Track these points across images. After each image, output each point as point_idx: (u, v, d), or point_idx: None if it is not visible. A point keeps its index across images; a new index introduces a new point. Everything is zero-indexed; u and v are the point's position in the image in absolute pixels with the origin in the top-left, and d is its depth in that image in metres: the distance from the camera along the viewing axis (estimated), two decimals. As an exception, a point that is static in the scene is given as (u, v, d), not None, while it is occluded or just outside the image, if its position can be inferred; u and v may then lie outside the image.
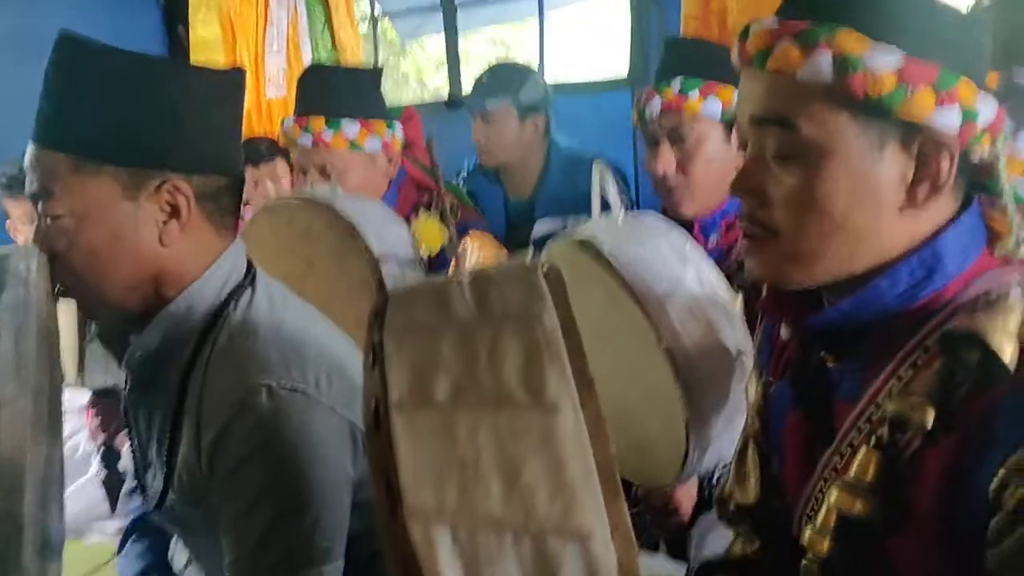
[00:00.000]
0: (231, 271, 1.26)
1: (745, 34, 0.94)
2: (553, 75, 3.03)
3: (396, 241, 1.77)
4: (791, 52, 0.88)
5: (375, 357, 0.66)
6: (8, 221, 2.93)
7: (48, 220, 1.17)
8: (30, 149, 1.18)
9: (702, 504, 1.58)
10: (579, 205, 2.65)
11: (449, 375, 0.63)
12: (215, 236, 1.25)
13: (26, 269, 1.09)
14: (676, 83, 1.83)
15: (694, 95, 1.81)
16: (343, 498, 1.19)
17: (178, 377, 1.22)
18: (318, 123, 2.11)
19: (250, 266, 1.30)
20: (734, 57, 0.97)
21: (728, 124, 1.83)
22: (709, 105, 1.81)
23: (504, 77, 2.81)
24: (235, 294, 1.25)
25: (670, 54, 1.95)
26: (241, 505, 1.15)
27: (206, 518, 1.22)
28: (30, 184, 1.18)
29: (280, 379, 1.15)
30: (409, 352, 0.65)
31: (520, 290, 0.69)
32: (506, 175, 2.89)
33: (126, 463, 1.85)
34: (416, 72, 7.58)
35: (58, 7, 3.36)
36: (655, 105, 1.85)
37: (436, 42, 5.44)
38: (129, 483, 1.83)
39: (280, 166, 3.14)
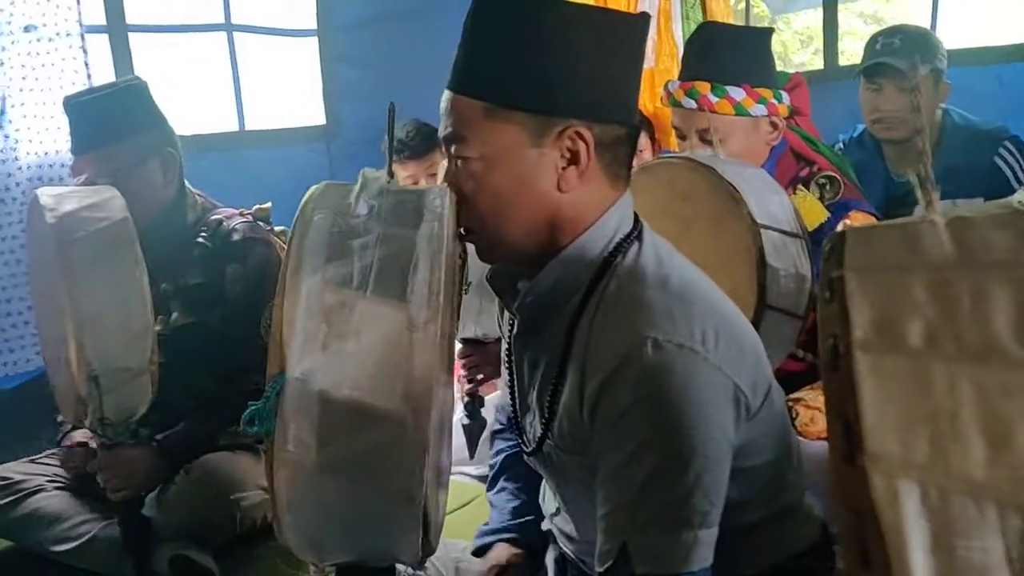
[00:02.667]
0: (621, 221, 1.25)
1: None
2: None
3: (778, 210, 1.68)
4: None
5: (832, 292, 0.60)
6: None
7: (458, 163, 1.22)
8: (446, 95, 1.23)
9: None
10: (975, 185, 2.41)
11: (923, 319, 0.56)
12: (608, 186, 1.24)
13: (440, 205, 1.15)
14: None
15: None
16: (724, 462, 1.14)
17: (566, 324, 1.22)
18: (704, 87, 2.03)
19: (637, 219, 1.28)
20: None
21: None
22: None
23: (920, 40, 2.57)
24: (624, 245, 1.23)
25: None
26: (620, 457, 1.13)
27: (582, 467, 1.22)
28: (443, 128, 1.23)
29: (667, 332, 1.12)
30: (874, 290, 0.59)
31: (1009, 235, 0.60)
32: (894, 149, 2.65)
33: (488, 411, 1.93)
34: (782, 48, 7.32)
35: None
36: None
37: (802, 18, 5.22)
38: (489, 430, 1.90)
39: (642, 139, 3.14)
